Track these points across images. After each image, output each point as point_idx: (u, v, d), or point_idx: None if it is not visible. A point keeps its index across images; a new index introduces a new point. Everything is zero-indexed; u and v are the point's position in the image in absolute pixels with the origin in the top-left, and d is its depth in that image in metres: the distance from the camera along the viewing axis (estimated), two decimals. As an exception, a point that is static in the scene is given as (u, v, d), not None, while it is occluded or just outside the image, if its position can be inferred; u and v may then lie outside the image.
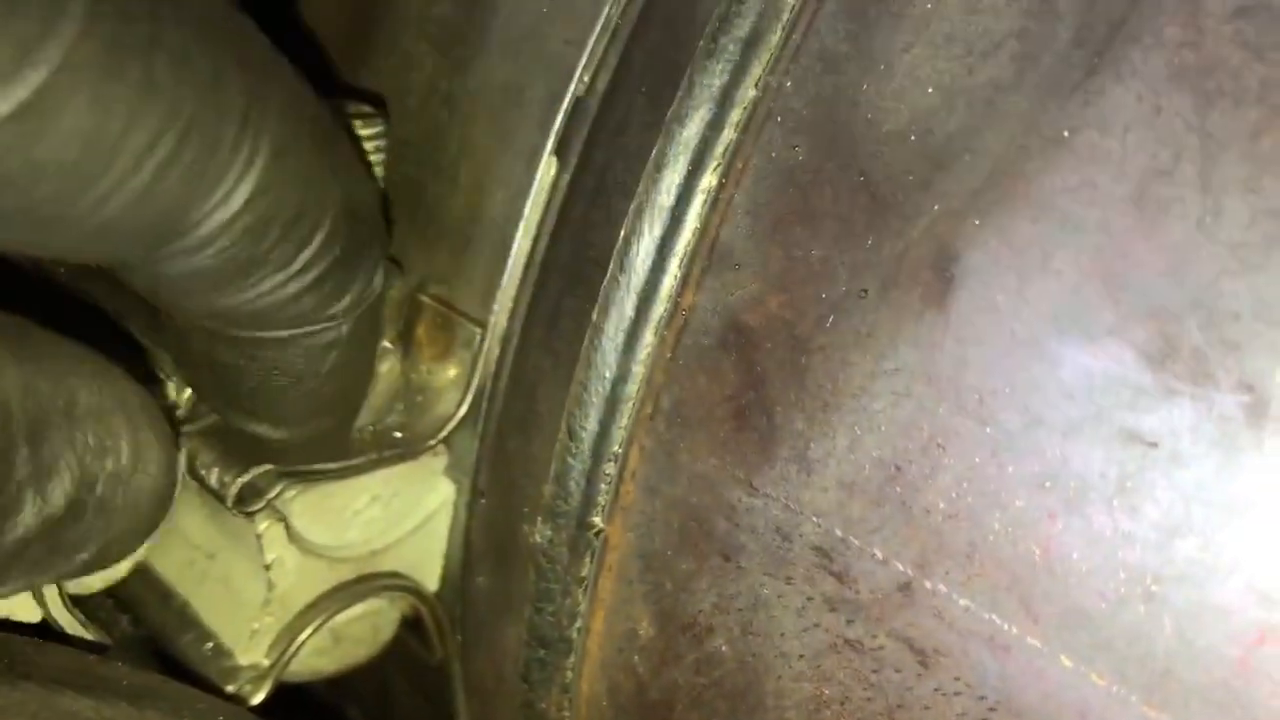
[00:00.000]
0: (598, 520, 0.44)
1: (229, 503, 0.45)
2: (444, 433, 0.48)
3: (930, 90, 0.36)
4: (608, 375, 0.42)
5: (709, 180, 0.40)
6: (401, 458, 0.49)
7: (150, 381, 0.44)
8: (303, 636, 0.49)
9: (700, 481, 0.41)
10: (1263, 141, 0.30)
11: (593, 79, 0.45)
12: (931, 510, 0.35)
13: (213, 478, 0.46)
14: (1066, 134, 0.33)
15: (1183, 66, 0.32)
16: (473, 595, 0.50)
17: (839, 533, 0.37)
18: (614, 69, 0.44)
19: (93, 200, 0.32)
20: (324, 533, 0.49)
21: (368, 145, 0.45)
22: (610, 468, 0.43)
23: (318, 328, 0.40)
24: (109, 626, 0.49)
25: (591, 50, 0.45)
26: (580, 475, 0.43)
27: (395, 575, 0.51)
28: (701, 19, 0.41)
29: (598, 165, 0.44)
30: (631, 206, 0.42)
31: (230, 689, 0.48)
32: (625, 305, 0.42)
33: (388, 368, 0.49)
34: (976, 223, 0.34)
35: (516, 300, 0.46)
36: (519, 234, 0.46)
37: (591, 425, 0.43)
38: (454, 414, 0.48)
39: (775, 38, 0.39)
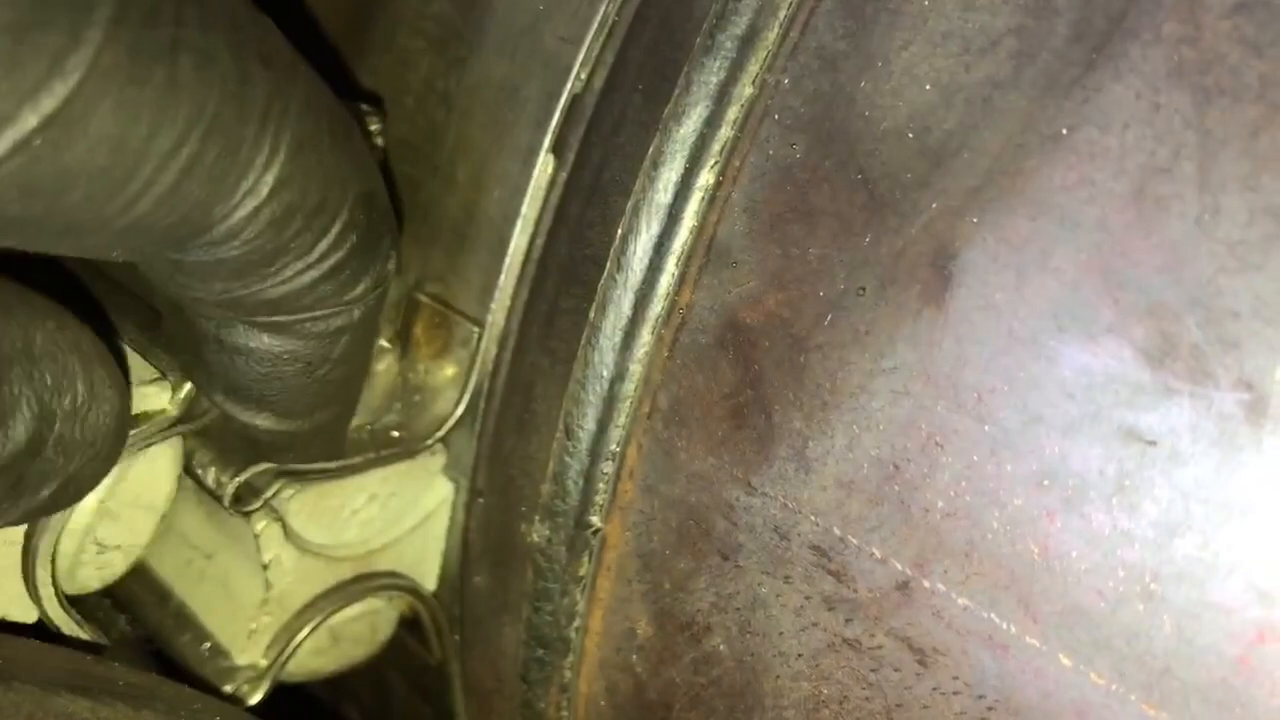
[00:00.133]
0: (596, 519, 0.43)
1: (226, 502, 0.45)
2: (441, 432, 0.48)
3: (928, 88, 0.36)
4: (605, 374, 0.42)
5: (706, 178, 0.40)
6: (399, 457, 0.49)
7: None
8: (300, 636, 0.49)
9: (698, 480, 0.41)
10: (1261, 139, 0.30)
11: (590, 77, 0.45)
12: (930, 509, 0.35)
13: (210, 477, 0.46)
14: (1065, 131, 0.33)
15: (1181, 63, 0.31)
16: (471, 595, 0.50)
17: (837, 531, 0.37)
18: (611, 67, 0.44)
19: (121, 203, 0.33)
20: (321, 532, 0.48)
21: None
22: (608, 467, 0.43)
23: (331, 312, 0.41)
24: (106, 627, 0.48)
25: (588, 48, 0.44)
26: (578, 474, 0.43)
27: (393, 575, 0.51)
28: (699, 16, 0.41)
29: (595, 163, 0.44)
30: (629, 204, 0.42)
31: (228, 689, 0.48)
32: (623, 303, 0.42)
33: (385, 367, 0.49)
34: (975, 220, 0.34)
35: (514, 299, 0.46)
36: (516, 232, 0.46)
37: (589, 424, 0.43)
38: (451, 413, 0.48)
39: (772, 35, 0.39)
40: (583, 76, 0.45)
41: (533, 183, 0.45)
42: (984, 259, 0.34)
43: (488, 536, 0.49)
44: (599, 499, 0.43)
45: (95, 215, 0.33)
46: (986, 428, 0.34)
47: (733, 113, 0.40)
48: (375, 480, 0.49)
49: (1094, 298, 0.32)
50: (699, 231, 0.41)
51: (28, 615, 0.44)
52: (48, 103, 0.30)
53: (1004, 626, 0.33)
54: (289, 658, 0.49)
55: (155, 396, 0.43)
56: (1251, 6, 0.31)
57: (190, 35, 0.32)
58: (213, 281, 0.38)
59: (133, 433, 0.42)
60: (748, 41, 0.40)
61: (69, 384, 0.37)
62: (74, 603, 0.45)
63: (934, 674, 0.35)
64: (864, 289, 0.36)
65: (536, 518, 0.45)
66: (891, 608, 0.36)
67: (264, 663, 0.48)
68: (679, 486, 0.41)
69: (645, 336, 0.42)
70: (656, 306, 0.41)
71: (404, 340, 0.50)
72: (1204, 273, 0.30)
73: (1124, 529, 0.31)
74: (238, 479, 0.45)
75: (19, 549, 0.43)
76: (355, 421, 0.49)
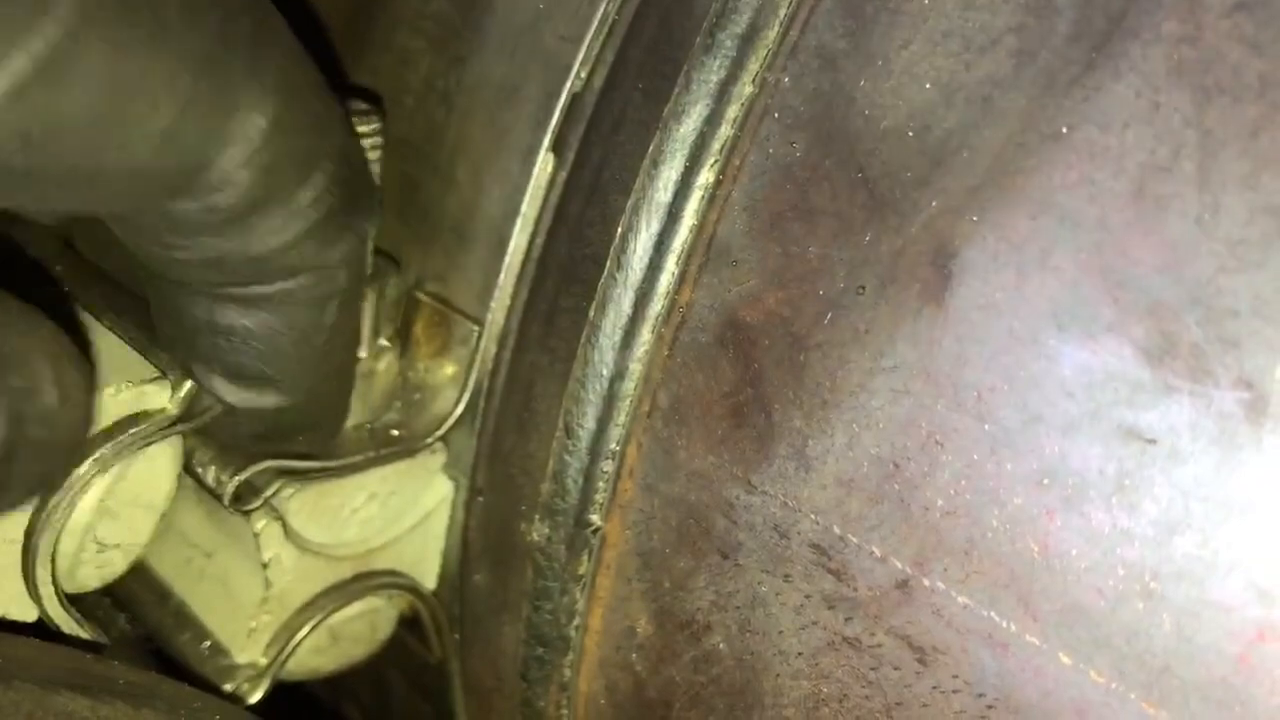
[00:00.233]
0: (595, 518, 0.44)
1: (226, 501, 0.45)
2: (441, 430, 0.48)
3: (928, 87, 0.36)
4: (605, 373, 0.42)
5: (706, 176, 0.40)
6: (399, 456, 0.48)
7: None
8: (300, 635, 0.49)
9: (698, 479, 0.41)
10: (1261, 138, 0.30)
11: (589, 75, 0.45)
12: (930, 508, 0.35)
13: (209, 476, 0.46)
14: (1065, 130, 0.33)
15: (1181, 62, 0.32)
16: (471, 593, 0.50)
17: (837, 530, 0.37)
18: (611, 65, 0.44)
19: (119, 150, 0.33)
20: (321, 531, 0.48)
21: (364, 143, 0.45)
22: (608, 465, 0.43)
23: (316, 278, 0.40)
24: (106, 625, 0.48)
25: (588, 47, 0.44)
26: (578, 473, 0.43)
27: (393, 573, 0.51)
28: (699, 15, 0.41)
29: (595, 162, 0.44)
30: (629, 203, 0.42)
31: (227, 688, 0.48)
32: (623, 302, 0.42)
33: (385, 365, 0.49)
34: (975, 219, 0.34)
35: (514, 298, 0.46)
36: (516, 231, 0.46)
37: (589, 423, 0.43)
38: (451, 412, 0.48)
39: (773, 34, 0.39)
40: (583, 75, 0.45)
41: (533, 181, 0.45)
42: (984, 258, 0.34)
43: (487, 535, 0.49)
44: (599, 497, 0.43)
45: (95, 163, 0.33)
46: (986, 426, 0.34)
47: (733, 111, 0.40)
48: (375, 479, 0.49)
49: (1094, 296, 0.32)
50: (699, 230, 0.41)
51: (28, 614, 0.44)
52: (37, 44, 0.30)
53: (1004, 625, 0.33)
54: (289, 656, 0.49)
55: (155, 395, 0.43)
56: (1251, 5, 0.31)
57: None
58: (200, 236, 0.38)
59: (132, 431, 0.42)
60: (748, 40, 0.40)
61: (40, 387, 0.37)
62: (74, 601, 0.45)
63: (934, 672, 0.35)
64: (864, 288, 0.36)
65: (536, 516, 0.45)
66: (891, 606, 0.36)
67: (264, 661, 0.48)
68: (679, 485, 0.41)
69: (645, 335, 0.42)
70: (656, 305, 0.41)
71: (404, 339, 0.50)
72: (1204, 271, 0.31)
73: (1124, 527, 0.31)
74: (237, 478, 0.45)
75: (19, 548, 0.43)
76: (355, 420, 0.49)
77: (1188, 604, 0.30)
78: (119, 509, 0.45)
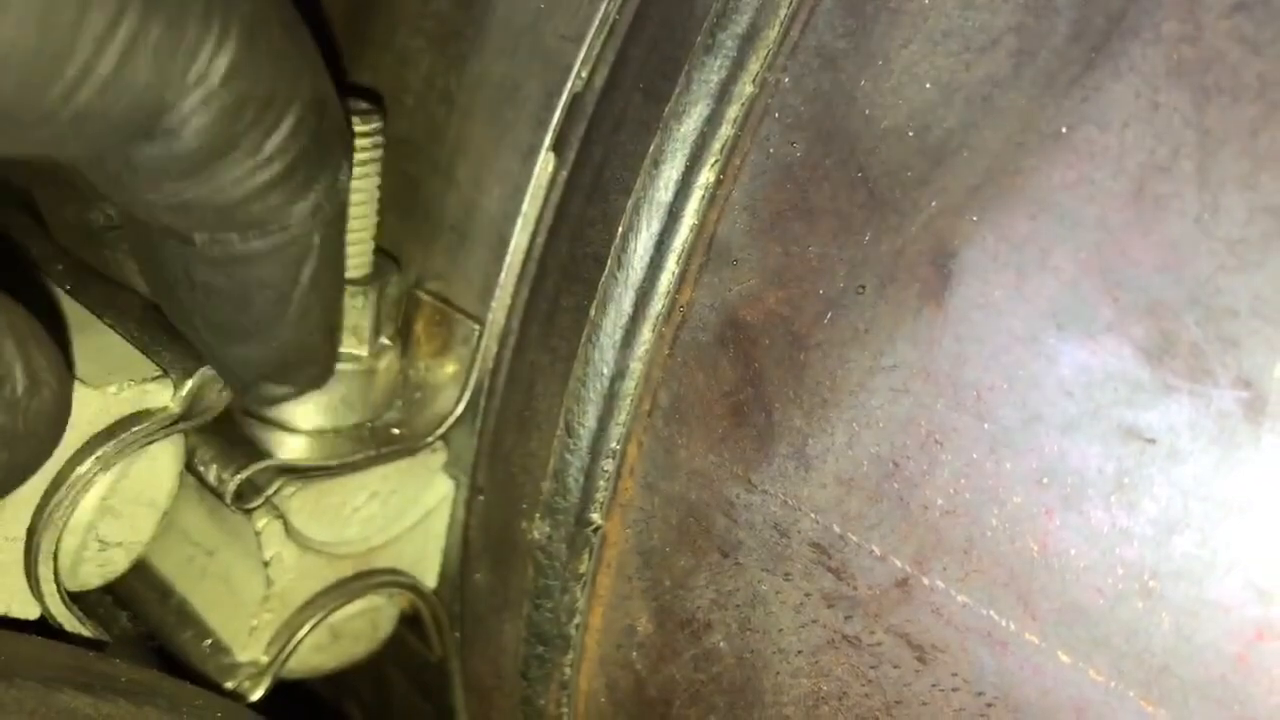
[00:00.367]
0: (596, 517, 0.44)
1: (227, 499, 0.45)
2: (442, 429, 0.48)
3: (928, 86, 0.36)
4: (606, 372, 0.42)
5: (707, 176, 0.40)
6: (400, 454, 0.49)
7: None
8: (301, 633, 0.49)
9: (698, 478, 0.41)
10: (1261, 137, 0.30)
11: (590, 75, 0.45)
12: (929, 506, 0.35)
13: (211, 474, 0.46)
14: (1064, 130, 0.33)
15: (1181, 62, 0.32)
16: (471, 592, 0.50)
17: (837, 529, 0.37)
18: (611, 65, 0.44)
19: (61, 90, 0.32)
20: (323, 529, 0.49)
21: (364, 142, 0.45)
22: (608, 464, 0.43)
23: (287, 235, 0.39)
24: (107, 623, 0.49)
25: (589, 46, 0.44)
26: (578, 472, 0.44)
27: (394, 572, 0.51)
28: (699, 15, 0.41)
29: (595, 161, 0.44)
30: (630, 203, 0.42)
31: (229, 686, 0.48)
32: (623, 302, 0.42)
33: (386, 364, 0.49)
34: (974, 219, 0.34)
35: (514, 297, 0.46)
36: (516, 230, 0.46)
37: (589, 422, 0.43)
38: (452, 411, 0.48)
39: (773, 34, 0.39)
40: (583, 75, 0.45)
41: (533, 181, 0.45)
42: (984, 257, 0.34)
43: (488, 534, 0.49)
44: (599, 496, 0.43)
45: (36, 103, 0.32)
46: (986, 425, 0.34)
47: (733, 111, 0.40)
48: (376, 478, 0.49)
49: (1093, 296, 0.32)
50: (699, 229, 0.41)
51: (30, 612, 0.44)
52: None
53: (1003, 624, 0.33)
54: (290, 654, 0.49)
55: (157, 394, 0.43)
56: (1251, 6, 0.31)
57: None
58: (163, 180, 0.37)
59: (134, 429, 0.42)
60: (748, 40, 0.40)
61: (7, 373, 0.36)
62: (76, 599, 0.45)
63: (933, 671, 0.35)
64: (864, 287, 0.36)
65: (537, 515, 0.45)
66: (891, 605, 0.36)
67: (265, 659, 0.49)
68: (679, 484, 0.41)
69: (646, 334, 0.42)
70: (657, 304, 0.41)
71: (404, 338, 0.50)
72: (1203, 271, 0.31)
73: (1123, 527, 0.31)
74: (239, 476, 0.45)
75: (21, 545, 0.43)
76: (356, 419, 0.49)
77: (1187, 603, 0.31)
78: (121, 507, 0.45)
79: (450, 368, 0.48)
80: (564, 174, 0.45)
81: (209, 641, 0.49)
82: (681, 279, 0.41)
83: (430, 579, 0.52)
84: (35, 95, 0.32)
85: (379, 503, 0.50)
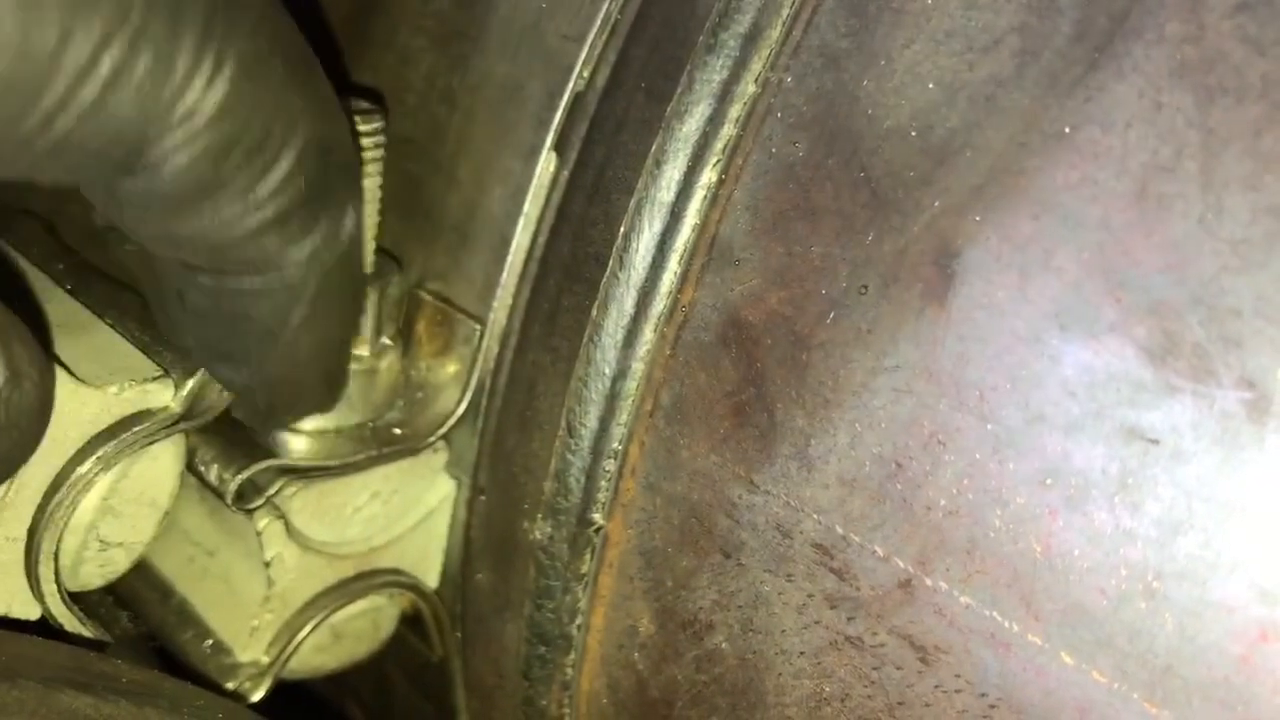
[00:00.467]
0: (598, 517, 0.44)
1: (229, 499, 0.45)
2: (444, 429, 0.48)
3: (931, 86, 0.36)
4: (607, 372, 0.42)
5: (709, 176, 0.40)
6: (401, 454, 0.49)
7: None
8: (302, 633, 0.49)
9: (700, 478, 0.41)
10: (1264, 138, 0.30)
11: (592, 75, 0.45)
12: (932, 507, 0.35)
13: (212, 474, 0.46)
14: (1067, 130, 0.33)
15: (1184, 62, 0.32)
16: (473, 592, 0.50)
17: (839, 530, 0.37)
18: (613, 64, 0.44)
19: (38, 120, 0.31)
20: (324, 530, 0.49)
21: (366, 142, 0.45)
22: (610, 464, 0.43)
23: (280, 279, 0.39)
24: (108, 624, 0.49)
25: (591, 46, 0.44)
26: (580, 472, 0.43)
27: (395, 572, 0.51)
28: (702, 14, 0.41)
29: (597, 161, 0.44)
30: (631, 202, 0.42)
31: (230, 686, 0.48)
32: (625, 301, 0.42)
33: (387, 364, 0.49)
34: (977, 219, 0.34)
35: (516, 297, 0.46)
36: (518, 230, 0.46)
37: (591, 422, 0.43)
38: (453, 411, 0.48)
39: (775, 33, 0.39)
40: (585, 75, 0.45)
41: (535, 181, 0.45)
42: (986, 258, 0.34)
43: (490, 534, 0.49)
44: (601, 496, 0.43)
45: (10, 132, 0.31)
46: (989, 426, 0.34)
47: (735, 111, 0.40)
48: (377, 478, 0.49)
49: (1096, 296, 0.32)
50: (701, 229, 0.41)
51: (31, 612, 0.44)
52: None
53: (1006, 625, 0.33)
54: (291, 655, 0.49)
55: (158, 394, 0.43)
56: (1254, 6, 0.31)
57: None
58: (149, 214, 0.36)
59: (135, 429, 0.42)
60: (751, 40, 0.40)
61: None
62: (76, 600, 0.45)
63: (936, 672, 0.35)
64: (866, 287, 0.36)
65: (539, 515, 0.45)
66: (894, 606, 0.36)
67: (266, 660, 0.49)
68: (681, 484, 0.41)
69: (648, 334, 0.42)
70: (659, 304, 0.41)
71: (406, 338, 0.50)
72: (1206, 271, 0.31)
73: (1126, 527, 0.31)
74: (240, 476, 0.45)
75: (22, 545, 0.43)
76: (357, 419, 0.49)
77: (1190, 604, 0.30)
78: (122, 507, 0.45)
79: (452, 368, 0.48)
80: (566, 174, 0.45)
81: (210, 642, 0.49)
82: (683, 279, 0.41)
83: (432, 579, 0.52)
84: (10, 124, 0.31)
85: (380, 503, 0.50)
